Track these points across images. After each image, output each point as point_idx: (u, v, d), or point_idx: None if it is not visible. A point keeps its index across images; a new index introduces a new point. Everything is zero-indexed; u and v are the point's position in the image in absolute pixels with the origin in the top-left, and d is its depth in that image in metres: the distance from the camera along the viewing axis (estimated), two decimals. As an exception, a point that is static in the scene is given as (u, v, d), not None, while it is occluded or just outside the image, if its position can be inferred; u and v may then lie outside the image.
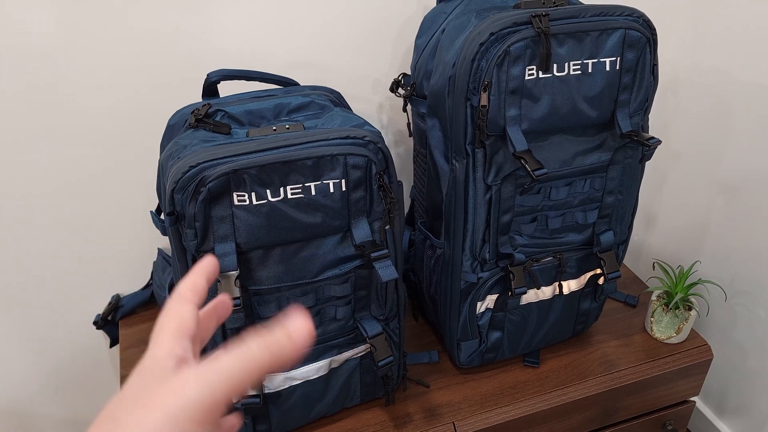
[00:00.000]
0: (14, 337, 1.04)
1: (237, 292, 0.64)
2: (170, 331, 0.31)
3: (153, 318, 1.05)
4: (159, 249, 1.05)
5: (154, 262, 1.05)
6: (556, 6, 0.73)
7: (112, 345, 1.08)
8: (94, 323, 1.05)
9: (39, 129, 0.88)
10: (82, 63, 0.86)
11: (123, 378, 0.93)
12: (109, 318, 1.05)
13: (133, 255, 1.04)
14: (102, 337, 1.09)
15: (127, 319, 1.05)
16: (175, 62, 0.89)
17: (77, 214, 0.97)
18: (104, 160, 0.94)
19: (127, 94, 0.90)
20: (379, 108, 1.04)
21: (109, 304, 1.05)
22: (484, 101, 0.70)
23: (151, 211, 0.77)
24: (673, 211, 1.23)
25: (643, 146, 0.76)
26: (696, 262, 1.05)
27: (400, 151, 1.10)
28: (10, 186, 0.91)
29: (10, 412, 1.11)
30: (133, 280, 1.07)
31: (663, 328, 0.97)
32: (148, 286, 1.07)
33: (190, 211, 0.62)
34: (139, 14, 0.85)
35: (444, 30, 0.79)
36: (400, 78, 0.89)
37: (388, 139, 1.08)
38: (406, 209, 1.02)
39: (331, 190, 0.66)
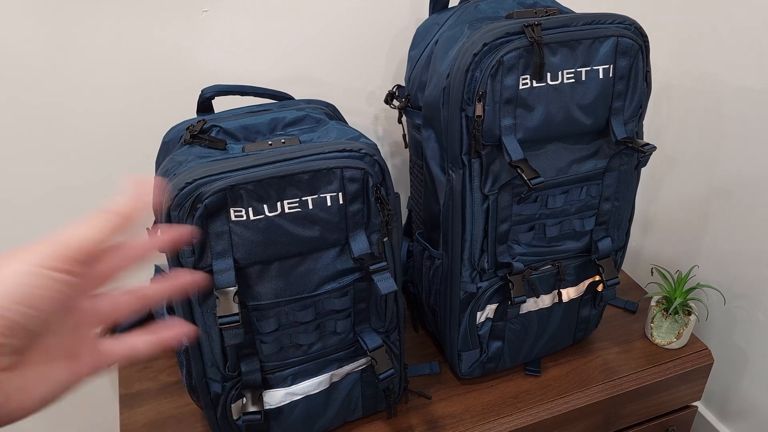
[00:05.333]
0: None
1: (236, 309, 0.63)
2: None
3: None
4: (156, 266, 1.04)
5: (151, 280, 1.05)
6: (548, 15, 0.73)
7: (110, 364, 1.07)
8: (92, 342, 1.04)
9: (33, 147, 0.88)
10: (77, 81, 0.85)
11: (122, 397, 0.92)
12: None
13: (130, 272, 1.04)
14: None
15: (124, 337, 1.04)
16: (170, 78, 0.89)
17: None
18: (100, 177, 0.94)
19: (122, 111, 0.90)
20: (374, 120, 1.04)
21: (107, 322, 1.04)
22: (479, 111, 0.70)
23: (147, 228, 0.77)
24: (670, 217, 1.23)
25: (639, 153, 0.77)
26: (694, 266, 1.05)
27: (397, 163, 1.10)
28: (5, 204, 0.91)
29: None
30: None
31: (663, 333, 0.97)
32: (145, 303, 1.07)
33: (187, 227, 0.62)
34: (132, 31, 0.85)
35: (437, 41, 0.80)
36: (394, 90, 0.89)
37: (384, 151, 1.08)
38: (404, 220, 1.02)
39: (329, 203, 0.66)
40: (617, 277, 0.86)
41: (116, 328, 1.05)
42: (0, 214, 0.91)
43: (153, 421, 0.88)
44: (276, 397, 0.75)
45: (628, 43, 0.72)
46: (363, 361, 0.79)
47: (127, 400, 0.91)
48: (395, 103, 0.88)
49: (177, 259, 0.66)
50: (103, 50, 0.85)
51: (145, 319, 1.06)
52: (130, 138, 0.92)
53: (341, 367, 0.78)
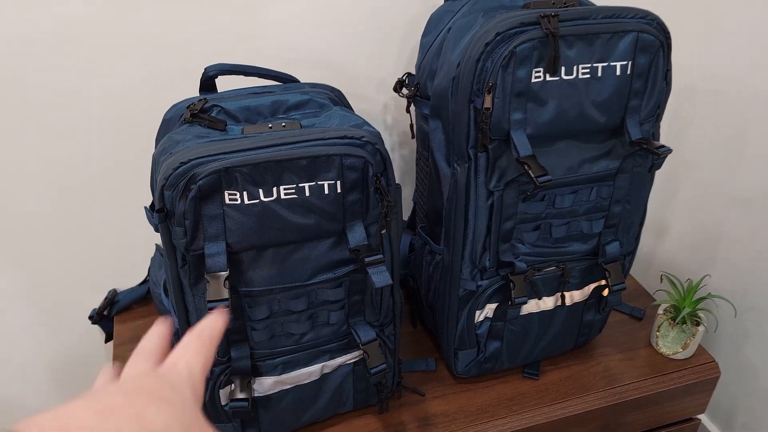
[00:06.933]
0: (10, 330, 1.03)
1: (226, 294, 0.62)
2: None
3: (148, 314, 1.03)
4: (156, 245, 1.04)
5: (152, 258, 1.04)
6: (567, 6, 0.70)
7: (107, 340, 1.06)
8: (90, 318, 1.04)
9: (35, 122, 0.87)
10: (79, 56, 0.84)
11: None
12: (105, 313, 1.04)
13: (132, 250, 1.03)
14: (98, 332, 1.08)
15: (122, 315, 1.04)
16: (174, 55, 0.88)
17: (75, 207, 0.96)
18: (102, 153, 0.93)
19: (126, 87, 0.88)
20: (383, 108, 1.02)
21: (105, 299, 1.04)
22: (487, 104, 0.67)
23: (145, 207, 0.76)
24: (684, 223, 1.19)
25: (653, 155, 0.73)
26: (706, 276, 1.01)
27: (404, 153, 1.08)
28: (7, 180, 0.90)
29: (4, 405, 1.10)
30: (131, 275, 1.06)
31: (669, 343, 0.94)
32: (144, 281, 1.06)
33: (179, 208, 0.61)
34: (137, 6, 0.83)
35: (450, 29, 0.77)
36: (404, 78, 0.86)
37: (392, 140, 1.05)
38: (408, 213, 1.00)
39: (326, 191, 0.64)
40: (624, 282, 0.84)
41: (115, 305, 1.05)
42: (7, 186, 0.91)
43: (143, 401, 0.87)
44: (265, 385, 0.74)
45: (649, 39, 0.69)
46: (356, 353, 0.77)
47: (119, 378, 0.91)
48: (404, 91, 0.85)
49: (170, 241, 0.65)
50: (107, 25, 0.83)
51: (143, 296, 1.06)
52: (133, 114, 0.91)
53: (333, 358, 0.76)
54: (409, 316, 1.01)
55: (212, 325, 0.37)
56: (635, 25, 0.68)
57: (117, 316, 1.04)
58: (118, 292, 1.06)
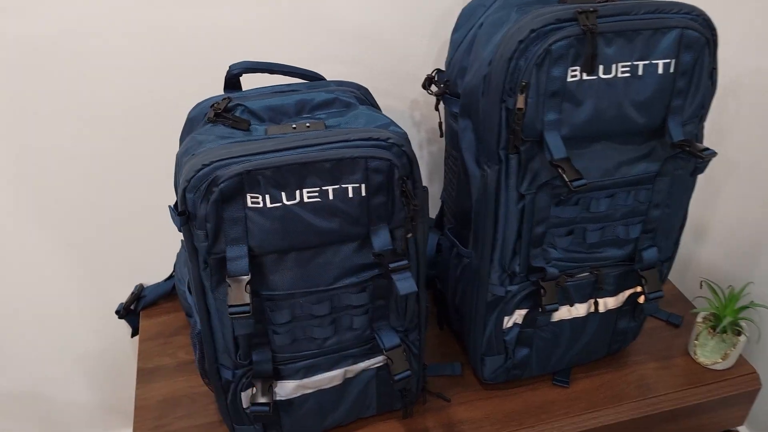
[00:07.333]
0: (39, 324, 1.05)
1: (247, 299, 0.61)
2: None
3: (173, 310, 1.04)
4: (182, 240, 1.03)
5: (177, 254, 1.04)
6: (606, 2, 0.66)
7: (133, 335, 1.07)
8: (117, 312, 1.04)
9: (65, 118, 0.87)
10: (110, 53, 0.84)
11: (139, 372, 0.92)
12: (131, 307, 1.04)
13: (159, 245, 1.03)
14: (126, 326, 1.09)
15: (148, 310, 1.04)
16: (200, 52, 0.87)
17: (103, 202, 0.96)
18: (132, 149, 0.93)
19: (154, 83, 0.88)
20: (412, 105, 0.99)
21: (132, 293, 1.04)
22: (520, 104, 0.64)
23: (169, 206, 0.75)
24: (727, 226, 1.14)
25: (696, 158, 0.69)
26: (749, 283, 0.97)
27: (433, 150, 1.05)
28: (38, 174, 0.91)
29: (34, 396, 1.12)
30: (159, 270, 1.06)
31: (708, 352, 0.90)
32: (170, 277, 1.06)
33: (201, 211, 0.60)
34: (162, 4, 0.82)
35: (482, 25, 0.74)
36: (433, 74, 0.84)
37: (421, 137, 1.03)
38: (437, 212, 0.97)
39: (350, 194, 0.62)
40: (661, 290, 0.80)
41: (141, 300, 1.05)
42: (37, 179, 0.91)
43: (168, 398, 0.88)
44: (287, 389, 0.73)
45: (694, 36, 0.65)
46: (379, 358, 0.76)
47: (144, 375, 0.91)
48: (433, 88, 0.83)
49: (192, 243, 0.64)
50: (133, 23, 0.82)
51: (169, 292, 1.06)
52: (162, 110, 0.90)
53: (356, 363, 0.75)
54: (435, 318, 0.99)
55: None
56: (679, 20, 0.64)
57: (143, 311, 1.04)
58: (145, 287, 1.06)
